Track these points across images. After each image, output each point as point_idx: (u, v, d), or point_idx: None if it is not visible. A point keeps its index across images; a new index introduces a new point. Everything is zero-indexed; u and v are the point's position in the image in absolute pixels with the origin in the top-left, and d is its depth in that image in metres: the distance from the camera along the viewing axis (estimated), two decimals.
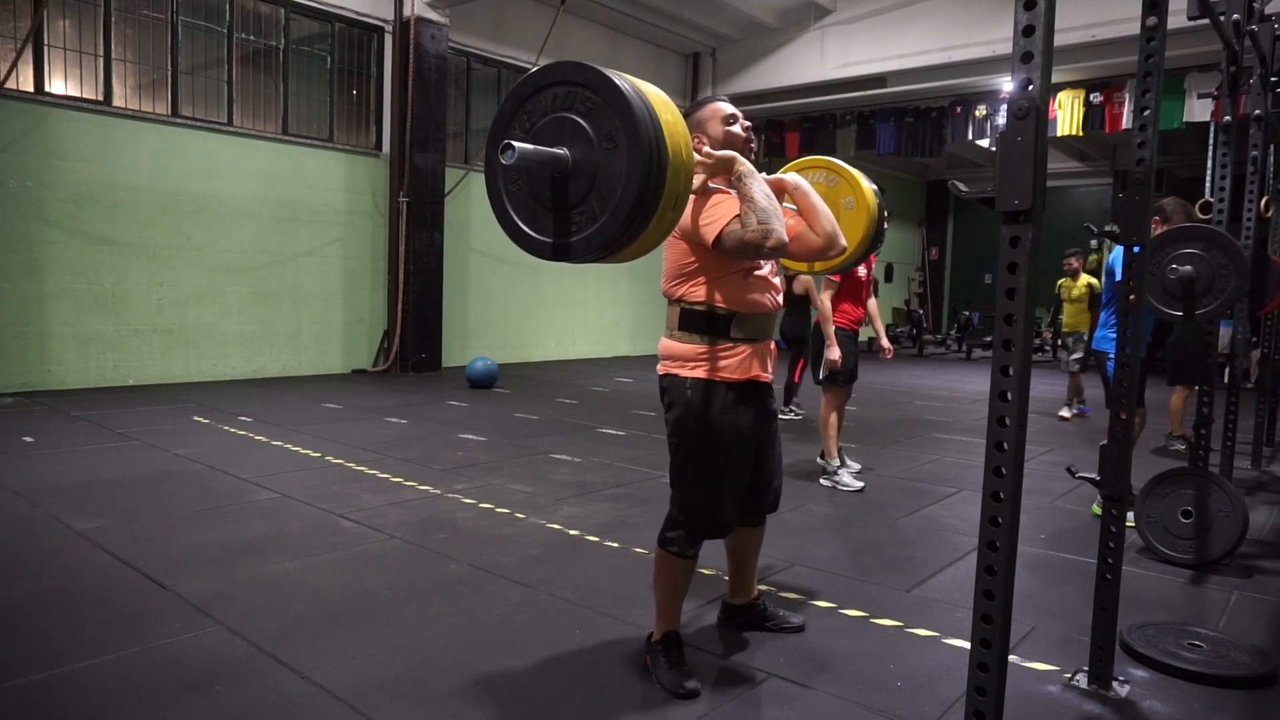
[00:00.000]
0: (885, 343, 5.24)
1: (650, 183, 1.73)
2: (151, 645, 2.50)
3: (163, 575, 3.06)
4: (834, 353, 4.68)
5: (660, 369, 2.37)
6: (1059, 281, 8.16)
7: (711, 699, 2.26)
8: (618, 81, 1.75)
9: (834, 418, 4.81)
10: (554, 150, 1.79)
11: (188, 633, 2.59)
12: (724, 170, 2.23)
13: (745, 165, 2.22)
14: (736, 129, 2.36)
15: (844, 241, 2.44)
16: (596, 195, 1.78)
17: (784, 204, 2.48)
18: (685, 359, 2.30)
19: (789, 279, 7.11)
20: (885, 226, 2.90)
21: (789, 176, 2.46)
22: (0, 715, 2.11)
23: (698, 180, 2.20)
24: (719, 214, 2.18)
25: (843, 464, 4.82)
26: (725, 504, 2.31)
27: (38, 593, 2.90)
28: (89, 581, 3.01)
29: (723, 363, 2.28)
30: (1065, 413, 7.86)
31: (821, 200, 2.44)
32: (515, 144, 1.72)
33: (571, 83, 1.79)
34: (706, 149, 2.25)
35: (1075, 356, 7.87)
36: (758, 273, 2.32)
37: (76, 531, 3.55)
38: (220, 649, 2.49)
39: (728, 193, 2.23)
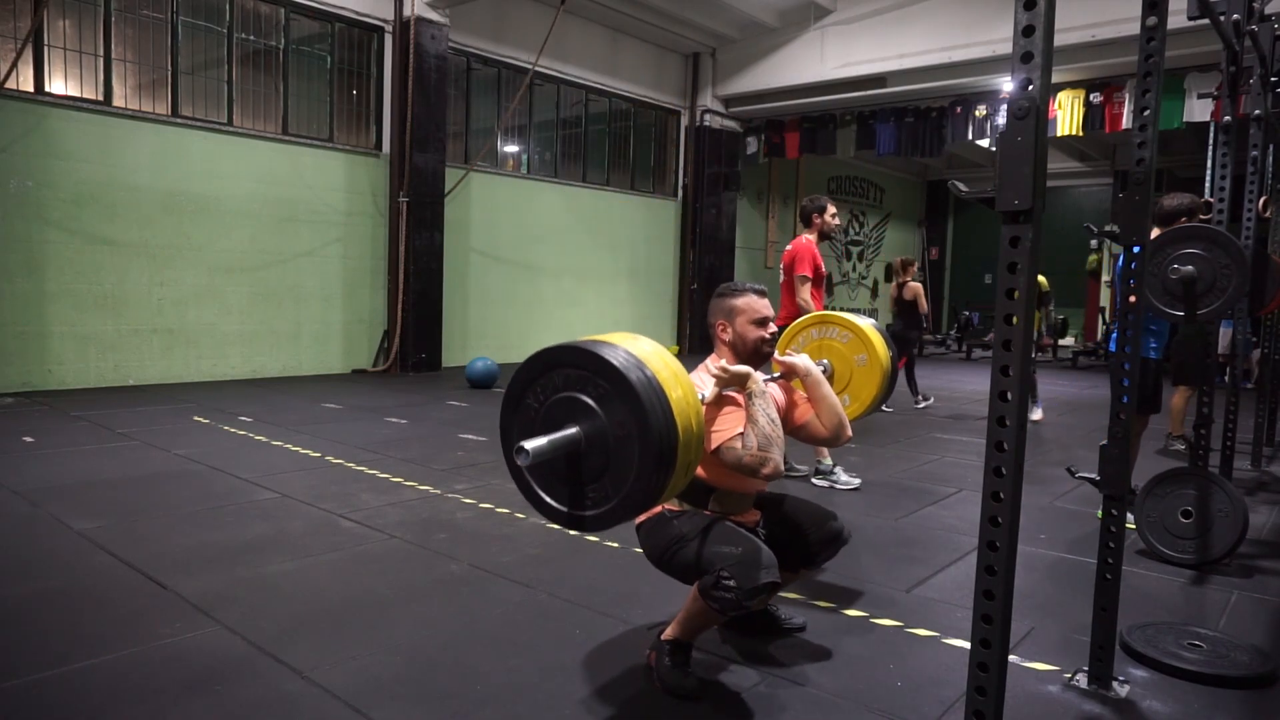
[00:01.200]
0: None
1: (662, 469, 1.75)
2: (151, 645, 2.50)
3: (163, 575, 3.06)
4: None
5: (638, 520, 2.32)
6: None
7: (711, 699, 2.26)
8: (624, 371, 1.74)
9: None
10: (567, 434, 1.79)
11: (188, 633, 2.59)
12: (738, 385, 2.27)
13: (757, 384, 2.25)
14: (763, 332, 2.40)
15: (849, 433, 2.51)
16: (610, 477, 1.79)
17: (793, 384, 2.54)
18: (662, 509, 2.31)
19: (899, 285, 7.64)
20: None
21: (801, 361, 2.50)
22: (0, 715, 2.11)
23: (711, 393, 2.24)
24: (725, 425, 2.23)
25: (836, 462, 4.83)
26: (757, 541, 2.19)
27: (38, 593, 2.90)
28: (89, 581, 3.01)
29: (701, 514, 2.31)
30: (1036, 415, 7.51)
31: (831, 391, 2.48)
32: (528, 446, 1.71)
33: (581, 368, 1.80)
34: (724, 364, 2.29)
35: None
36: None
37: (76, 531, 3.55)
38: (220, 649, 2.49)
39: (739, 405, 2.27)
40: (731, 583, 2.08)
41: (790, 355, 2.55)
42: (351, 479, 4.63)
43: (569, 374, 1.82)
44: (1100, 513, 2.46)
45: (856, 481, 4.73)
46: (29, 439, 5.39)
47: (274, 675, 2.33)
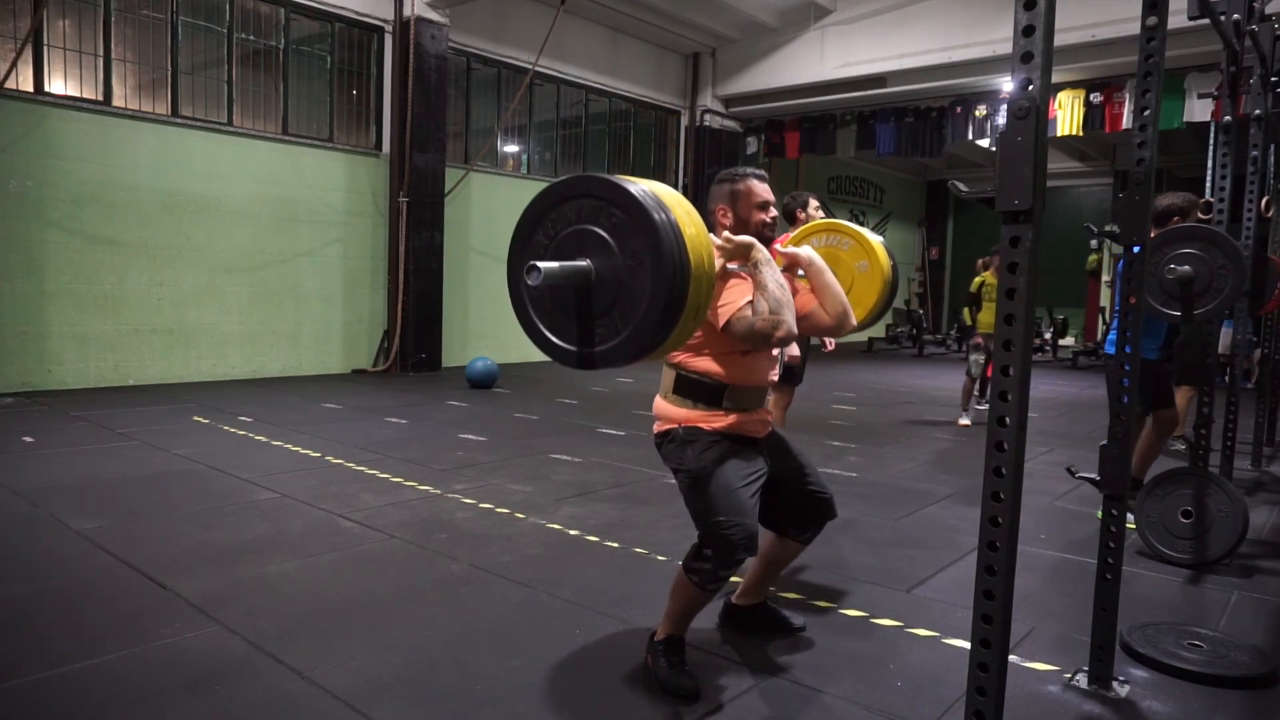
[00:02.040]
0: (794, 350, 5.04)
1: (673, 301, 1.74)
2: (151, 645, 2.50)
3: (163, 575, 3.06)
4: (795, 350, 4.63)
5: (656, 428, 2.40)
6: (981, 279, 7.46)
7: (711, 699, 2.26)
8: (643, 200, 1.74)
9: (780, 415, 4.78)
10: (578, 264, 1.79)
11: (188, 633, 2.59)
12: (741, 256, 2.24)
13: (762, 253, 2.23)
14: (764, 216, 2.38)
15: (854, 321, 2.48)
16: (619, 309, 1.78)
17: (797, 277, 2.51)
18: (677, 420, 2.34)
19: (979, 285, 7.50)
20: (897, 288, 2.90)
21: (803, 251, 2.47)
22: (0, 715, 2.11)
23: (717, 265, 2.20)
24: (732, 298, 2.21)
25: None
26: (747, 513, 2.24)
27: (38, 593, 2.90)
28: (89, 581, 3.01)
29: (714, 424, 2.32)
30: (966, 420, 7.29)
31: (834, 279, 2.46)
32: (540, 265, 1.71)
33: (597, 197, 1.79)
34: (727, 234, 2.26)
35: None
36: (757, 350, 2.33)
37: (76, 531, 3.55)
38: (220, 649, 2.49)
39: (743, 278, 2.25)
40: (709, 552, 2.19)
41: (792, 247, 2.52)
42: (351, 479, 4.63)
43: (583, 204, 1.81)
44: (1100, 513, 2.46)
45: None
46: (29, 439, 5.39)
47: (274, 675, 2.33)
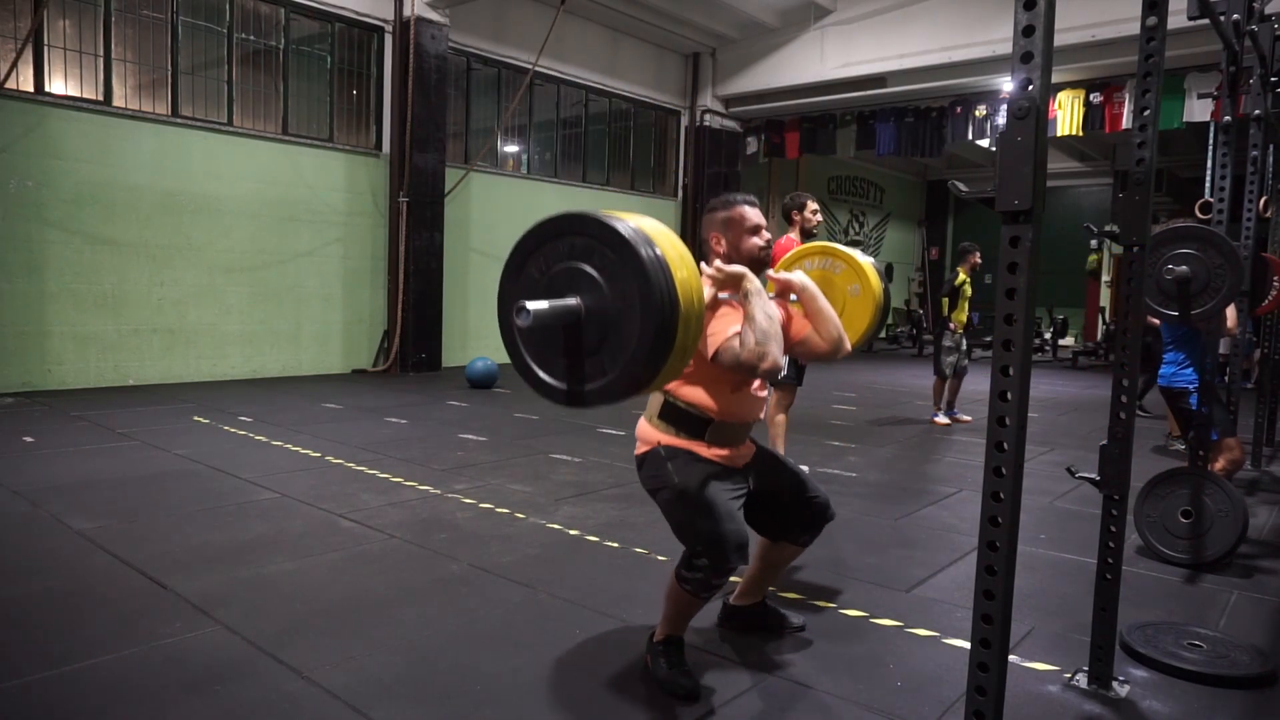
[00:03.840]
0: None
1: (661, 344, 1.74)
2: (151, 645, 2.50)
3: (163, 575, 3.06)
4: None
5: (637, 450, 2.40)
6: (962, 278, 7.32)
7: (711, 699, 2.26)
8: (634, 242, 1.73)
9: (782, 417, 4.78)
10: (567, 303, 1.79)
11: (188, 633, 2.59)
12: (733, 285, 2.25)
13: (753, 284, 2.23)
14: (757, 240, 2.39)
15: (848, 346, 2.50)
16: (608, 350, 1.78)
17: (790, 302, 2.52)
18: (658, 442, 2.34)
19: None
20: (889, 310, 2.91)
21: (796, 277, 2.48)
22: (0, 715, 2.11)
23: (707, 294, 2.20)
24: (720, 328, 2.21)
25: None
26: (736, 518, 2.24)
27: (38, 593, 2.90)
28: (89, 581, 3.01)
29: (696, 452, 2.31)
30: (943, 418, 7.33)
31: (828, 304, 2.47)
32: (529, 306, 1.71)
33: (590, 235, 1.79)
34: (718, 264, 2.27)
35: (964, 362, 7.36)
36: (747, 385, 2.34)
37: (76, 531, 3.55)
38: (220, 649, 2.49)
39: (734, 306, 2.25)
40: (703, 562, 2.17)
41: (785, 273, 2.53)
42: (351, 479, 4.63)
43: (575, 242, 1.81)
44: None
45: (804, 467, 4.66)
46: (29, 439, 5.39)
47: (274, 675, 2.33)
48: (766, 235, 2.42)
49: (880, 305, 2.82)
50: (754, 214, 2.41)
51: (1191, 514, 3.47)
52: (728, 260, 2.35)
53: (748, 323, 2.16)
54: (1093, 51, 9.67)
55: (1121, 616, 2.45)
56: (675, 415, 2.32)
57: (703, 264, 2.36)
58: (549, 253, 1.85)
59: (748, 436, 2.44)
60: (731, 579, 2.55)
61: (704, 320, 2.11)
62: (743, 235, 2.38)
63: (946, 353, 7.23)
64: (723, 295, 2.27)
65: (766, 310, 2.19)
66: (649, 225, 1.82)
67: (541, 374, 1.89)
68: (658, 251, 1.75)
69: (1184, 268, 3.18)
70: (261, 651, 2.47)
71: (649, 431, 2.37)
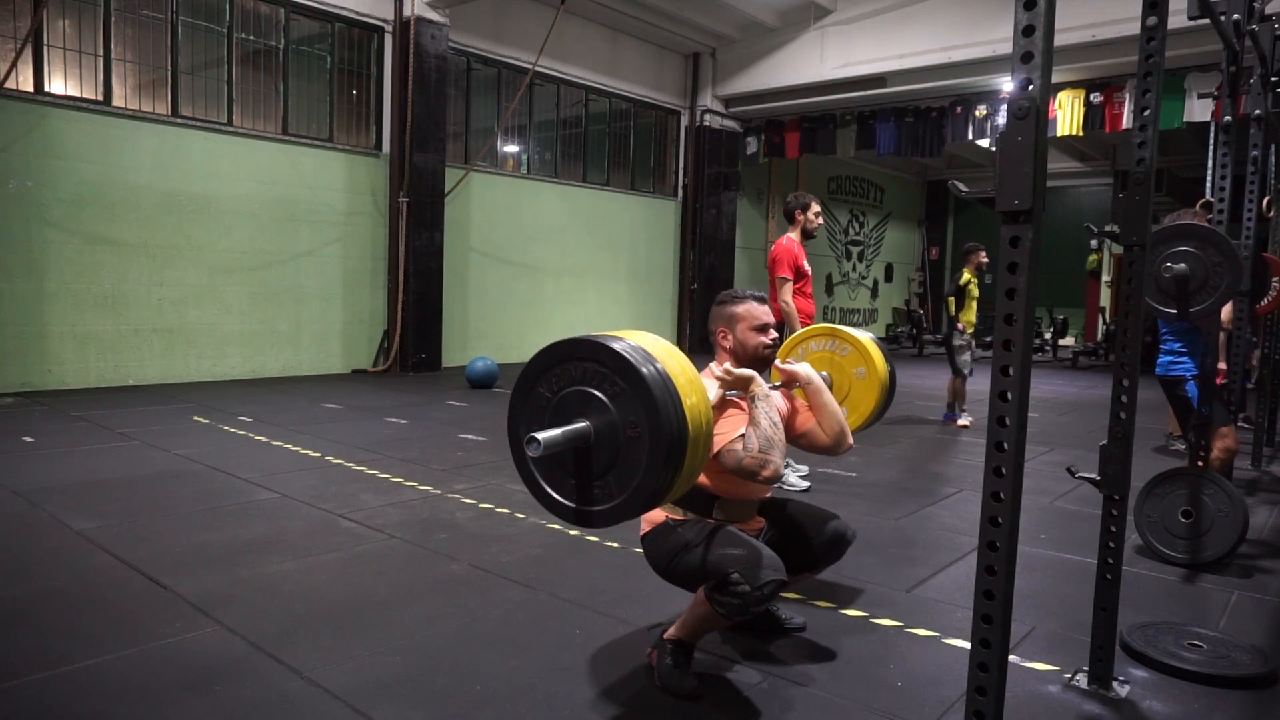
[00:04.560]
0: None
1: (669, 472, 1.76)
2: (151, 645, 2.50)
3: (163, 575, 3.06)
4: None
5: (641, 530, 2.39)
6: (967, 278, 7.26)
7: (711, 699, 2.26)
8: (644, 373, 1.74)
9: None
10: (577, 427, 1.80)
11: (188, 633, 2.59)
12: (740, 388, 2.27)
13: (761, 388, 2.25)
14: (764, 339, 2.41)
15: (850, 442, 2.51)
16: (616, 475, 1.79)
17: (795, 390, 2.55)
18: (666, 519, 2.33)
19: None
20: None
21: (802, 369, 2.50)
22: (0, 715, 2.11)
23: (715, 396, 2.23)
24: (726, 429, 2.23)
25: (789, 465, 4.77)
26: (756, 543, 2.21)
27: (38, 593, 2.90)
28: (89, 581, 3.01)
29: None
30: (965, 420, 7.28)
31: (832, 399, 2.49)
32: (540, 437, 1.72)
33: (600, 363, 1.79)
34: (728, 366, 2.29)
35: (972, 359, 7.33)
36: None
37: (76, 531, 3.55)
38: (220, 649, 2.49)
39: (741, 408, 2.27)
40: (739, 584, 2.09)
41: (791, 363, 2.56)
42: (351, 479, 4.63)
43: (586, 368, 1.82)
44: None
45: (805, 485, 4.67)
46: (29, 439, 5.39)
47: (274, 675, 2.33)
48: (774, 335, 2.45)
49: (886, 388, 2.83)
50: (762, 311, 2.43)
51: (1191, 514, 3.47)
52: (734, 355, 2.40)
53: (752, 427, 2.18)
54: (1093, 51, 9.67)
55: (1121, 616, 2.45)
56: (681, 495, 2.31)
57: (711, 364, 2.41)
58: (559, 375, 1.86)
59: (755, 512, 2.46)
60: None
61: (712, 425, 2.12)
62: (749, 332, 2.41)
63: (959, 351, 7.23)
64: (730, 394, 2.29)
65: (771, 416, 2.20)
66: (657, 348, 1.83)
67: (551, 492, 1.90)
68: (668, 380, 1.76)
69: (1182, 265, 3.18)
70: (261, 651, 2.47)
71: (654, 514, 2.35)
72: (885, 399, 2.85)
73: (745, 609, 2.12)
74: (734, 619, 2.19)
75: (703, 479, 2.30)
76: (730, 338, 2.43)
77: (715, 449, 2.21)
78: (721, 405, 2.27)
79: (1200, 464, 3.57)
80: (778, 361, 2.56)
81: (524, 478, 1.93)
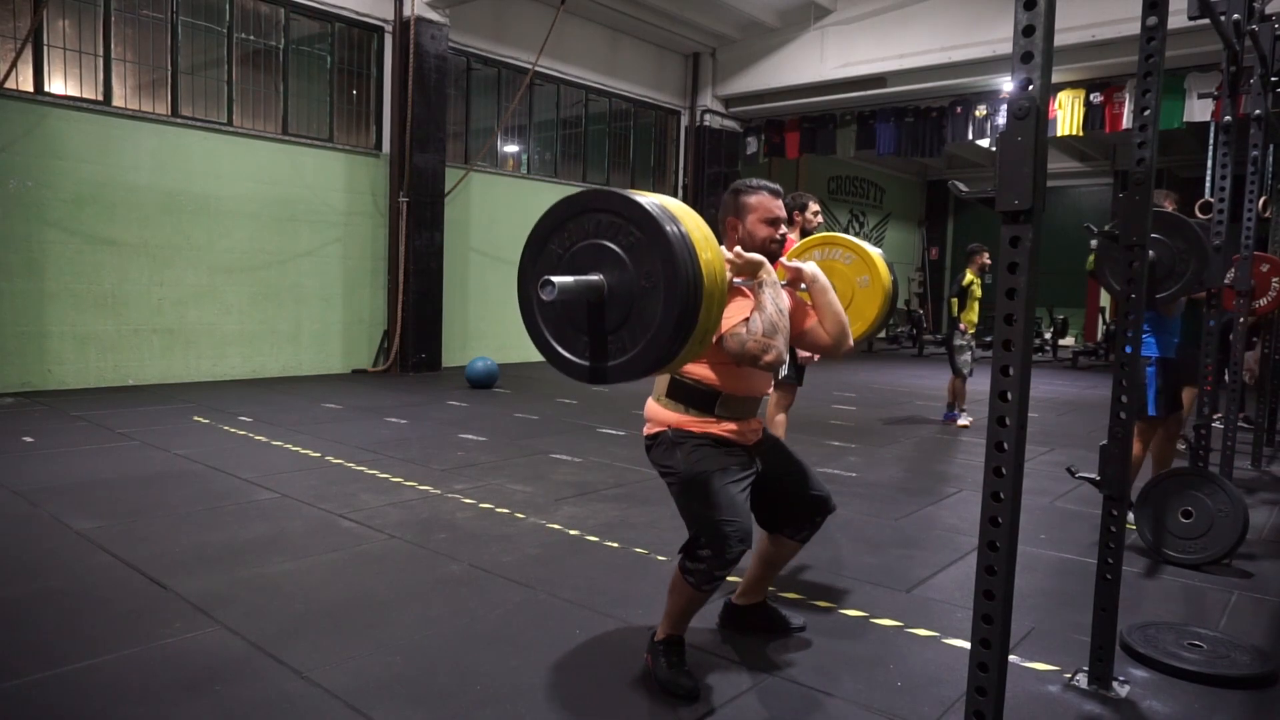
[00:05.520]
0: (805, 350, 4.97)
1: (684, 325, 1.74)
2: (151, 645, 2.50)
3: (163, 575, 3.06)
4: (805, 350, 4.62)
5: (646, 431, 2.41)
6: (970, 279, 7.22)
7: (711, 699, 2.26)
8: (661, 221, 1.73)
9: (782, 417, 4.78)
10: (591, 280, 1.79)
11: (188, 633, 2.59)
12: (749, 272, 2.25)
13: (770, 275, 2.24)
14: (774, 233, 2.38)
15: (850, 342, 2.50)
16: (629, 328, 1.78)
17: (799, 290, 2.53)
18: (668, 424, 2.34)
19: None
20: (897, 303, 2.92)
21: (808, 268, 2.48)
22: (0, 715, 2.11)
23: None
24: (730, 314, 2.20)
25: None
26: (740, 510, 2.26)
27: (38, 593, 2.90)
28: (89, 581, 3.01)
29: (705, 430, 2.32)
30: (965, 420, 7.28)
31: (836, 299, 2.47)
32: (554, 280, 1.71)
33: (615, 213, 1.78)
34: (738, 250, 2.27)
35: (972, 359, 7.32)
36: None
37: (76, 531, 3.55)
38: (220, 649, 2.49)
39: (747, 295, 2.25)
40: (706, 552, 2.19)
41: (797, 262, 2.53)
42: (351, 479, 4.63)
43: (601, 220, 1.80)
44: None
45: None
46: (29, 439, 5.39)
47: (274, 675, 2.33)
48: (783, 229, 2.41)
49: (889, 296, 2.82)
50: (775, 204, 2.39)
51: (1191, 514, 3.47)
52: (741, 245, 2.34)
53: (758, 312, 2.16)
54: (1093, 51, 9.68)
55: (1121, 616, 2.45)
56: (684, 392, 2.33)
57: (721, 248, 2.35)
58: (573, 229, 1.84)
59: (757, 411, 2.44)
60: (731, 577, 2.56)
61: (726, 285, 2.13)
62: (760, 224, 2.37)
63: (959, 351, 7.23)
64: (737, 281, 2.27)
65: (778, 303, 2.19)
66: (674, 204, 1.82)
67: (563, 351, 1.89)
68: (683, 230, 1.75)
69: (1150, 252, 3.18)
70: (261, 651, 2.47)
71: (657, 411, 2.38)
72: (888, 307, 2.84)
73: (710, 577, 2.21)
74: (703, 588, 2.24)
75: (705, 373, 2.29)
76: (740, 228, 2.38)
77: (718, 333, 2.18)
78: (729, 290, 2.22)
79: (1201, 463, 3.57)
80: (783, 259, 2.52)
81: (536, 341, 1.92)
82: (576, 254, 1.83)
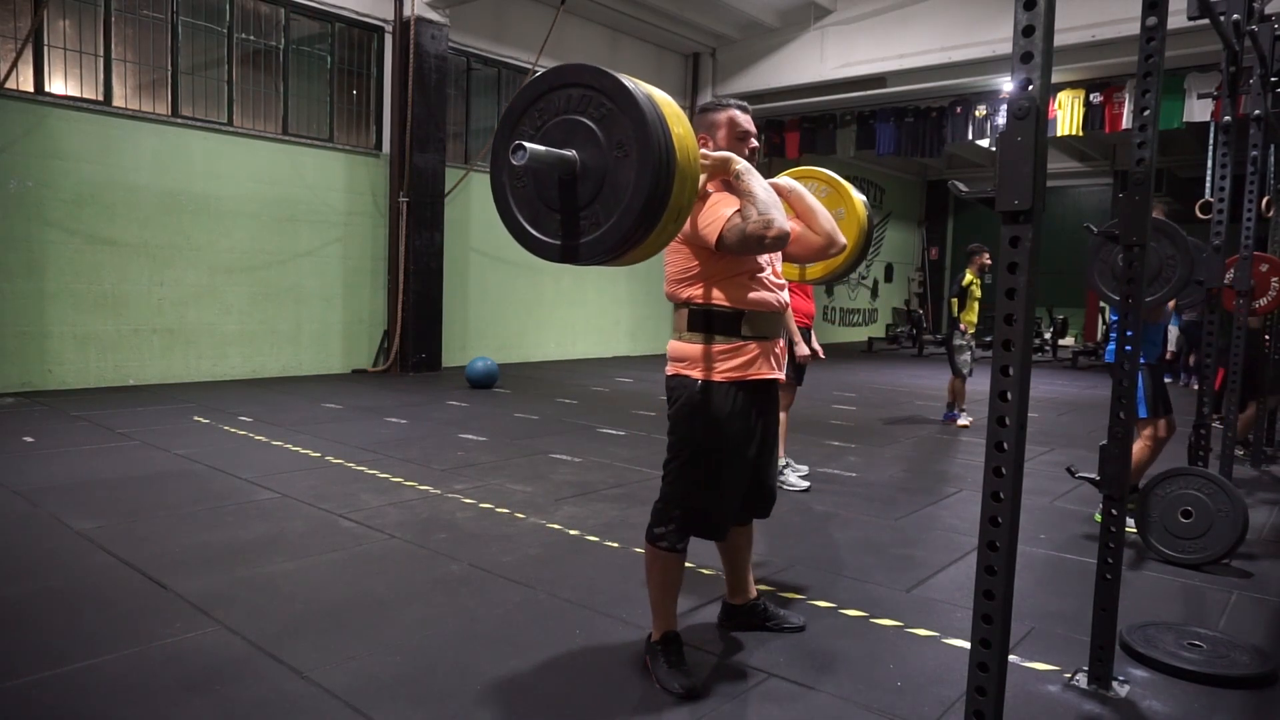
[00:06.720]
0: (804, 349, 4.64)
1: (657, 194, 1.73)
2: (151, 645, 2.50)
3: (163, 575, 3.06)
4: (803, 349, 4.60)
5: (669, 370, 2.37)
6: (970, 279, 7.18)
7: (711, 699, 2.26)
8: (633, 90, 1.74)
9: (782, 416, 4.76)
10: (563, 153, 1.78)
11: (188, 633, 2.59)
12: (721, 171, 2.24)
13: (741, 163, 2.23)
14: (745, 147, 2.37)
15: (843, 239, 2.47)
16: (603, 201, 1.78)
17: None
18: (695, 359, 2.30)
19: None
20: (873, 236, 2.93)
21: (783, 180, 2.49)
22: (0, 715, 2.11)
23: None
24: (717, 213, 2.19)
25: (788, 464, 4.77)
26: (726, 508, 2.31)
27: (38, 593, 2.90)
28: (89, 581, 3.01)
29: (733, 362, 2.28)
30: (964, 420, 7.27)
31: (818, 201, 2.47)
32: (527, 145, 1.71)
33: (587, 86, 1.78)
34: (704, 150, 2.24)
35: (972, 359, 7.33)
36: (760, 274, 2.33)
37: (76, 531, 3.55)
38: (220, 649, 2.49)
39: (724, 194, 2.25)
40: (672, 527, 2.30)
41: (773, 179, 2.51)
42: (351, 479, 4.63)
43: (572, 94, 1.80)
44: (1098, 514, 2.45)
45: (805, 485, 4.65)
46: (29, 439, 5.39)
47: (274, 675, 2.33)
48: (754, 144, 2.40)
49: (864, 229, 2.83)
50: (745, 119, 2.39)
51: (1191, 514, 3.47)
52: None
53: (746, 198, 2.15)
54: (1093, 51, 9.68)
55: (1121, 616, 2.45)
56: (706, 319, 2.28)
57: None
58: (544, 107, 1.84)
59: (781, 328, 2.41)
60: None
61: (696, 206, 2.12)
62: (731, 140, 2.36)
63: (959, 351, 7.22)
64: (709, 188, 2.26)
65: (761, 182, 2.18)
66: (646, 85, 1.82)
67: (534, 232, 1.89)
68: (655, 103, 1.76)
69: None
70: (261, 651, 2.47)
71: (682, 349, 2.32)
72: (864, 240, 2.84)
73: (683, 534, 2.33)
74: (678, 547, 2.33)
75: (717, 294, 2.26)
76: (711, 145, 2.37)
77: (715, 235, 2.17)
78: (703, 196, 2.22)
79: (1201, 464, 3.57)
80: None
81: (506, 221, 1.92)
82: (549, 130, 1.83)
